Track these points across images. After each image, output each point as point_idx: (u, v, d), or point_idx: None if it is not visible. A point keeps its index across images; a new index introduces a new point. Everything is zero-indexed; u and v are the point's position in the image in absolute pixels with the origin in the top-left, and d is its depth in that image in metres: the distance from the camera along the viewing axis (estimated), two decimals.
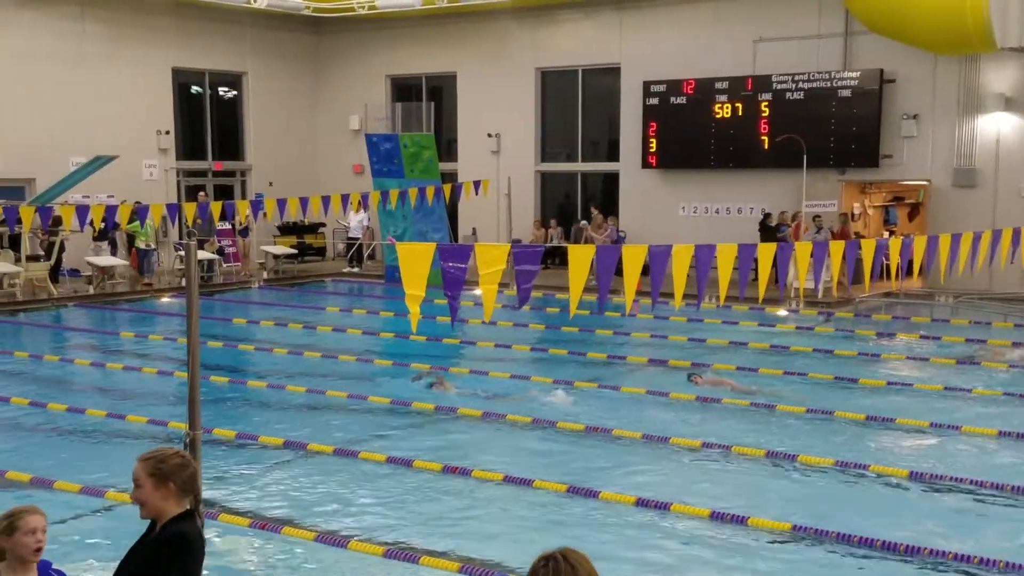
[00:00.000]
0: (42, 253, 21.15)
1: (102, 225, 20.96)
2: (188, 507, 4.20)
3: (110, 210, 17.96)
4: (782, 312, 18.47)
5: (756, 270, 10.53)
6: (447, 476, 9.22)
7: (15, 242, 20.50)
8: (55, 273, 21.11)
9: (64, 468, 9.35)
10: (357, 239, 25.82)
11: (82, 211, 17.23)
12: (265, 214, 19.91)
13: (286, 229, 26.82)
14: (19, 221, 18.54)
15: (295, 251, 25.70)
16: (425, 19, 26.37)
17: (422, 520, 8.25)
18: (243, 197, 26.92)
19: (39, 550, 4.30)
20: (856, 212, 23.46)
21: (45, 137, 22.80)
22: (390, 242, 21.57)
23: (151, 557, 4.08)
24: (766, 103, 22.48)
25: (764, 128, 22.57)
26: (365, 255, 26.15)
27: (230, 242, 24.58)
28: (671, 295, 8.09)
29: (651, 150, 24.13)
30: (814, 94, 21.98)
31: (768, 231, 21.64)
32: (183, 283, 21.76)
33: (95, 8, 23.82)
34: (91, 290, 20.98)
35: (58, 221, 19.43)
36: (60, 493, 8.55)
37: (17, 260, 20.23)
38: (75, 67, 23.59)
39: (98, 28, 24.03)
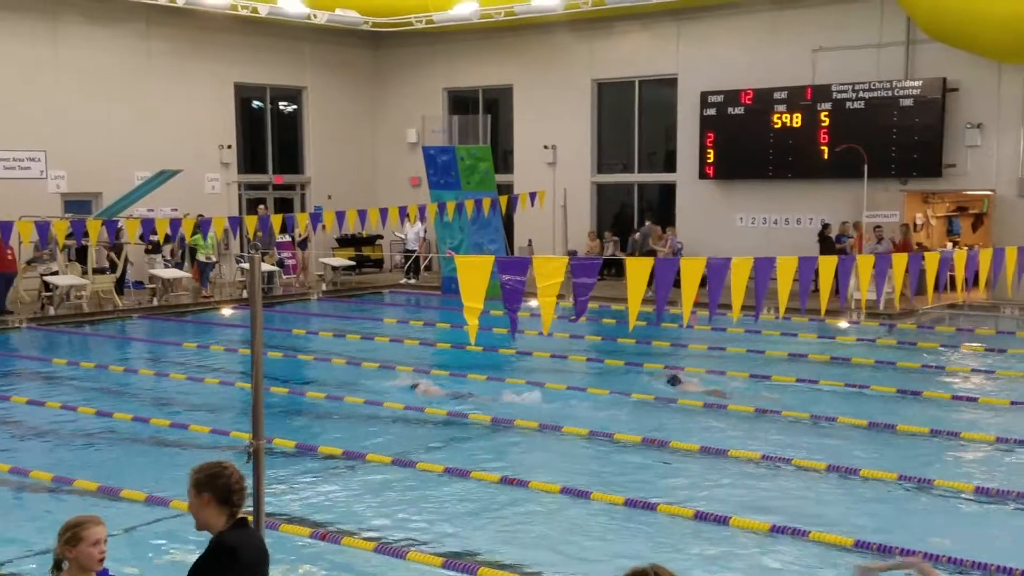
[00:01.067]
0: (107, 266, 21.58)
1: (163, 238, 21.34)
2: (236, 518, 4.28)
3: (174, 223, 18.28)
4: (843, 324, 18.23)
5: (816, 281, 10.43)
6: (504, 487, 9.23)
7: (82, 255, 20.95)
8: (120, 285, 21.53)
9: (130, 477, 9.52)
10: (414, 251, 26.00)
11: (147, 224, 17.57)
12: (324, 226, 20.13)
13: (344, 241, 27.09)
14: (86, 234, 18.94)
15: (353, 263, 25.95)
16: (482, 32, 26.53)
17: (480, 531, 8.27)
18: (302, 210, 27.26)
19: (102, 560, 4.38)
20: (919, 222, 23.10)
21: (111, 152, 23.29)
22: (449, 255, 21.68)
23: (193, 569, 4.18)
24: (826, 113, 22.26)
25: (824, 138, 22.34)
26: (422, 267, 26.32)
27: (289, 254, 24.88)
28: (729, 306, 8.04)
29: (708, 161, 24.00)
30: (875, 103, 21.72)
31: (827, 242, 21.39)
32: (243, 295, 22.14)
33: (160, 25, 24.31)
34: (155, 302, 21.37)
35: (117, 234, 19.79)
36: (126, 502, 8.71)
37: (84, 273, 20.67)
38: (141, 83, 24.09)
39: (163, 45, 24.52)
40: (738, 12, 23.62)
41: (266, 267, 22.64)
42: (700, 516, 8.29)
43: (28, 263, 20.72)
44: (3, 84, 21.71)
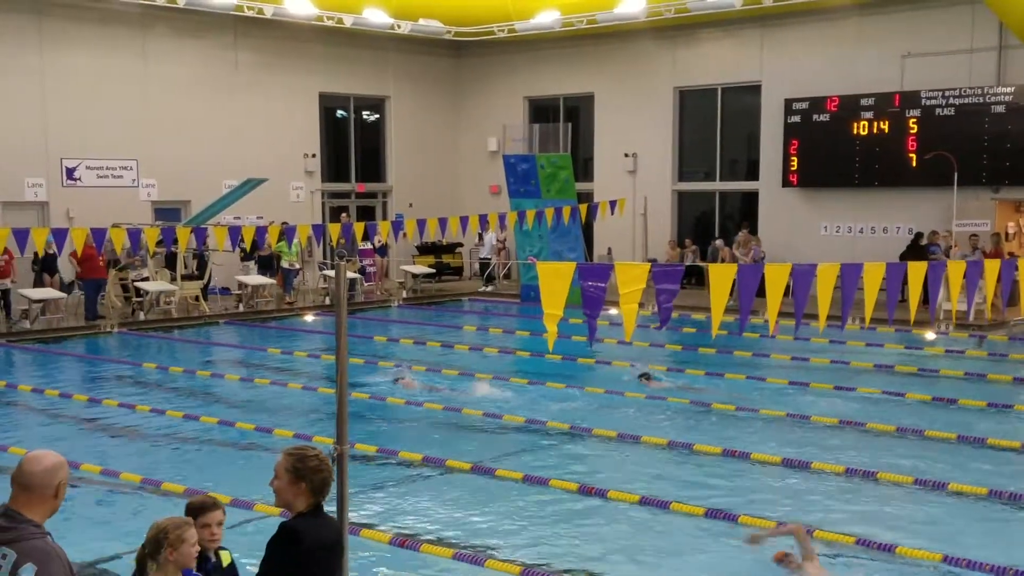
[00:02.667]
0: (196, 272, 22.07)
1: (251, 245, 21.79)
2: (317, 506, 4.42)
3: (260, 231, 18.61)
4: (930, 335, 17.78)
5: (904, 291, 10.20)
6: (583, 496, 9.20)
7: (170, 261, 21.47)
8: (206, 291, 22.01)
9: (216, 480, 9.71)
10: (489, 259, 26.13)
11: (234, 232, 17.93)
12: (405, 234, 20.32)
13: (425, 249, 27.32)
14: (175, 241, 19.39)
15: (433, 271, 26.15)
16: (563, 41, 26.55)
17: (558, 539, 8.25)
18: (384, 218, 27.57)
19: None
20: (1010, 232, 22.45)
21: (200, 161, 23.85)
22: (531, 262, 21.72)
23: (265, 552, 4.38)
24: (914, 119, 21.79)
25: (912, 145, 21.87)
26: (500, 275, 26.41)
27: (371, 261, 25.17)
28: (813, 316, 7.90)
29: (792, 168, 23.67)
30: (965, 110, 21.19)
31: (918, 251, 20.89)
32: (326, 301, 22.46)
33: (247, 37, 24.84)
34: (240, 307, 21.80)
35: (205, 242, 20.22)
36: None
37: (173, 279, 21.18)
38: (228, 94, 24.64)
39: (250, 56, 25.05)
40: (824, 18, 23.26)
41: (348, 274, 22.94)
42: (782, 524, 8.13)
43: (119, 269, 21.30)
44: (97, 96, 22.38)
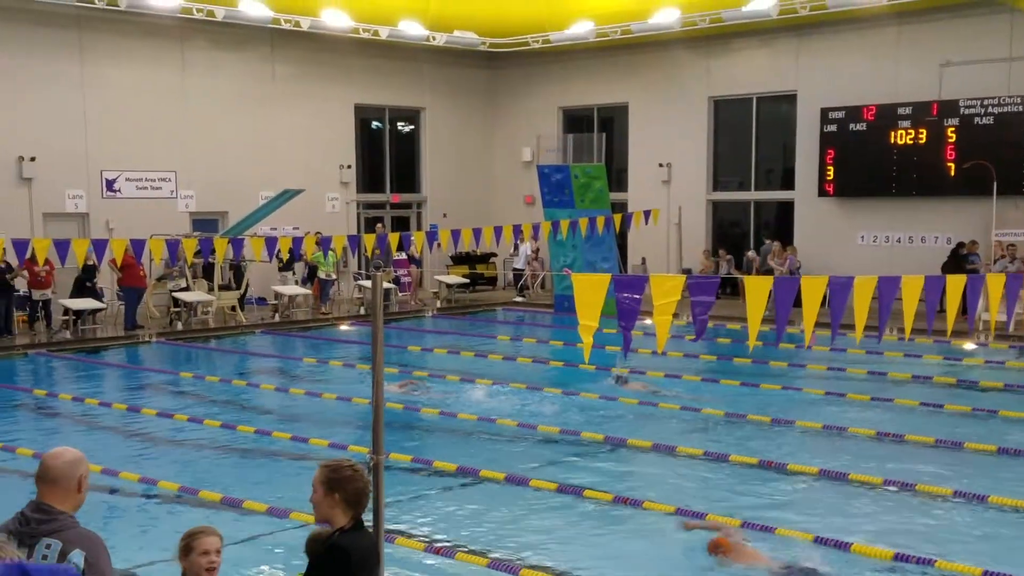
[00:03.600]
0: (232, 283, 22.28)
1: (287, 256, 21.97)
2: (357, 519, 4.41)
3: (296, 241, 18.77)
4: (970, 346, 17.59)
5: (943, 301, 10.09)
6: (618, 506, 9.18)
7: (208, 272, 21.68)
8: (243, 301, 22.20)
9: (252, 488, 9.79)
10: (522, 270, 26.16)
11: (270, 242, 18.09)
12: (439, 244, 20.39)
13: (459, 259, 27.40)
14: (213, 251, 19.58)
15: (467, 280, 26.21)
16: (597, 51, 26.57)
17: (592, 549, 8.24)
18: (418, 228, 27.69)
19: (211, 571, 4.48)
20: None
21: (237, 172, 24.09)
22: (566, 273, 21.71)
23: (309, 569, 4.38)
24: (952, 128, 21.59)
25: (950, 154, 21.66)
26: (534, 285, 26.42)
27: (405, 271, 25.28)
28: (850, 326, 7.83)
29: (828, 178, 23.52)
30: (1005, 119, 20.96)
31: (958, 260, 20.67)
32: (361, 311, 22.59)
33: (284, 49, 25.07)
34: (276, 317, 21.96)
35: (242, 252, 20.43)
36: (248, 513, 8.95)
37: (210, 289, 21.38)
38: (265, 106, 24.87)
39: (286, 68, 25.27)
40: (861, 27, 23.11)
41: (383, 284, 23.02)
42: (820, 540, 8.08)
43: (158, 280, 21.55)
44: (136, 109, 22.67)
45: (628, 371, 14.96)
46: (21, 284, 19.33)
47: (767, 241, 23.98)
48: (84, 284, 20.09)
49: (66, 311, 19.28)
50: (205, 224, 23.97)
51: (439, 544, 8.22)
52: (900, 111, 22.30)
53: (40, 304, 19.58)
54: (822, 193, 23.72)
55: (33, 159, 21.26)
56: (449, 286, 25.41)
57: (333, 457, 10.71)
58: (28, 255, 17.98)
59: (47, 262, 18.32)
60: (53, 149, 21.50)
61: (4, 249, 16.72)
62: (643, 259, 26.21)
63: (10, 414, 13.80)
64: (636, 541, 8.47)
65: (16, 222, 20.56)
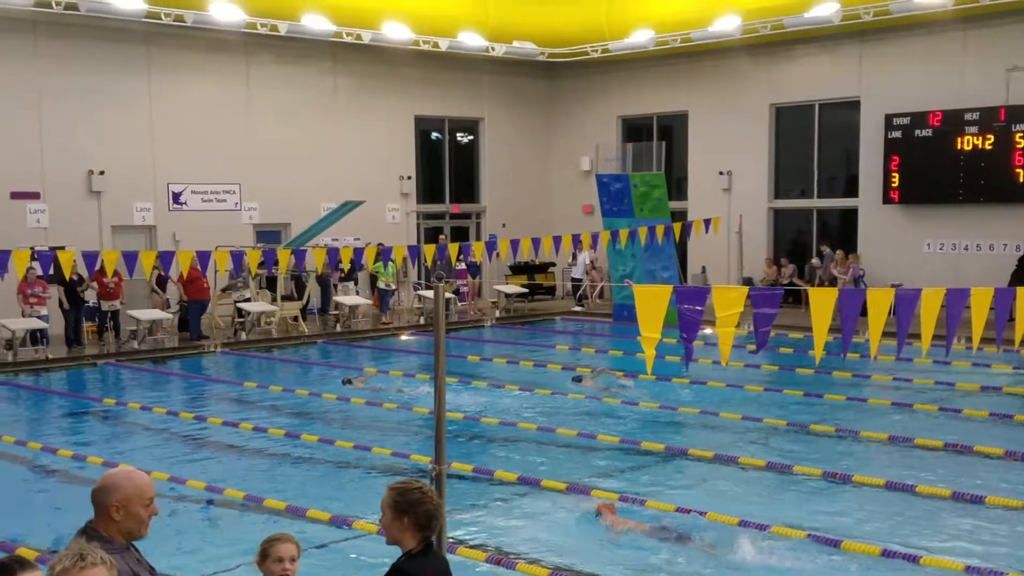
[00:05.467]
0: (295, 293, 22.55)
1: (348, 267, 22.17)
2: (427, 542, 4.28)
3: (357, 252, 18.94)
4: None
5: (1012, 309, 9.88)
6: (680, 516, 9.11)
7: (271, 282, 21.98)
8: (305, 311, 22.45)
9: (315, 497, 9.90)
10: (580, 280, 26.13)
11: (332, 253, 18.28)
12: (499, 254, 20.44)
13: (517, 268, 27.45)
14: (276, 263, 19.85)
15: (526, 290, 26.25)
16: (657, 60, 26.49)
17: (655, 559, 8.19)
18: (477, 238, 27.80)
19: None
20: None
21: (299, 184, 24.41)
22: (627, 284, 21.63)
23: None
24: (1021, 134, 21.17)
25: (1018, 160, 21.23)
26: (593, 294, 26.37)
27: (464, 282, 25.38)
28: (916, 336, 7.71)
29: (893, 185, 23.18)
30: None
31: None
32: (420, 321, 22.73)
33: (346, 62, 25.36)
34: (338, 327, 22.18)
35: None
36: (311, 522, 9.05)
37: (273, 300, 21.67)
38: (327, 118, 25.18)
39: (348, 81, 25.57)
40: (925, 32, 22.75)
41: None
42: (888, 554, 7.96)
43: (223, 290, 21.91)
44: (202, 122, 23.09)
45: (595, 373, 15.94)
46: (91, 295, 19.76)
47: (826, 249, 23.67)
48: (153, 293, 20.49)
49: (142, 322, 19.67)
50: (268, 235, 24.30)
51: (500, 554, 8.24)
52: (967, 116, 21.91)
53: (109, 315, 20.00)
54: (887, 200, 23.38)
55: (102, 173, 21.76)
56: (508, 296, 25.47)
57: (394, 466, 10.83)
58: (97, 267, 18.39)
59: (116, 274, 18.71)
60: (122, 163, 21.98)
61: (75, 262, 17.10)
62: (703, 268, 26.03)
63: (81, 423, 14.12)
64: (699, 552, 8.40)
65: (86, 235, 21.05)
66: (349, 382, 15.86)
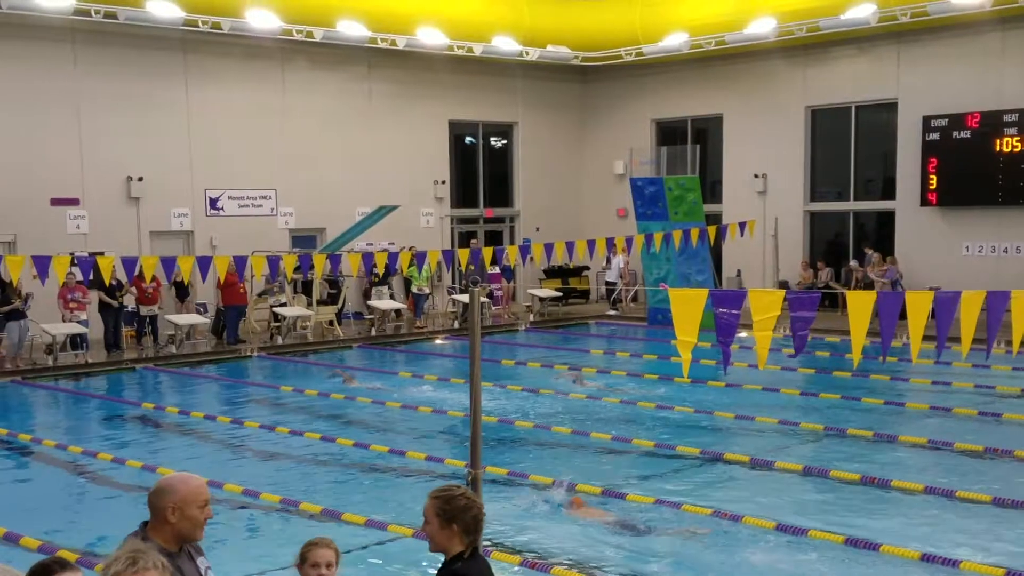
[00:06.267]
0: (330, 295, 22.66)
1: (383, 271, 22.28)
2: (474, 546, 4.31)
3: (391, 256, 19.04)
4: None
5: None
6: (717, 520, 9.07)
7: (306, 287, 22.11)
8: (340, 316, 22.56)
9: (351, 501, 9.95)
10: (614, 283, 26.07)
11: (367, 258, 18.37)
12: (532, 258, 20.44)
13: (551, 272, 27.43)
14: (312, 267, 19.97)
15: (560, 294, 26.22)
16: (691, 62, 26.39)
17: (692, 565, 8.15)
18: (511, 242, 27.81)
19: None
20: None
21: (334, 189, 24.54)
22: (662, 287, 21.56)
23: None
24: None
25: None
26: (627, 298, 26.31)
27: (498, 286, 25.40)
28: (955, 339, 7.63)
29: (931, 187, 22.93)
30: None
31: None
32: (455, 325, 22.77)
33: (381, 68, 25.48)
34: (372, 332, 22.28)
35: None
36: (347, 525, 9.09)
37: (308, 304, 21.81)
38: (362, 123, 25.30)
39: (383, 86, 25.69)
40: (963, 32, 22.49)
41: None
42: (927, 558, 7.88)
43: (259, 295, 22.07)
44: (238, 128, 23.28)
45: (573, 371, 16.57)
46: (129, 300, 19.98)
47: (869, 251, 23.44)
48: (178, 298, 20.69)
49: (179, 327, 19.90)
50: (304, 240, 24.46)
51: (535, 559, 8.23)
52: (1006, 118, 21.63)
53: (147, 320, 20.22)
54: (924, 203, 23.14)
55: (141, 179, 21.99)
56: (542, 299, 25.46)
57: (429, 470, 10.86)
58: (136, 272, 18.59)
59: (154, 279, 18.91)
60: (160, 169, 22.21)
61: (114, 267, 17.30)
62: (738, 271, 25.89)
63: (120, 427, 14.28)
64: (734, 556, 8.36)
65: (125, 241, 21.29)
66: (335, 375, 17.07)
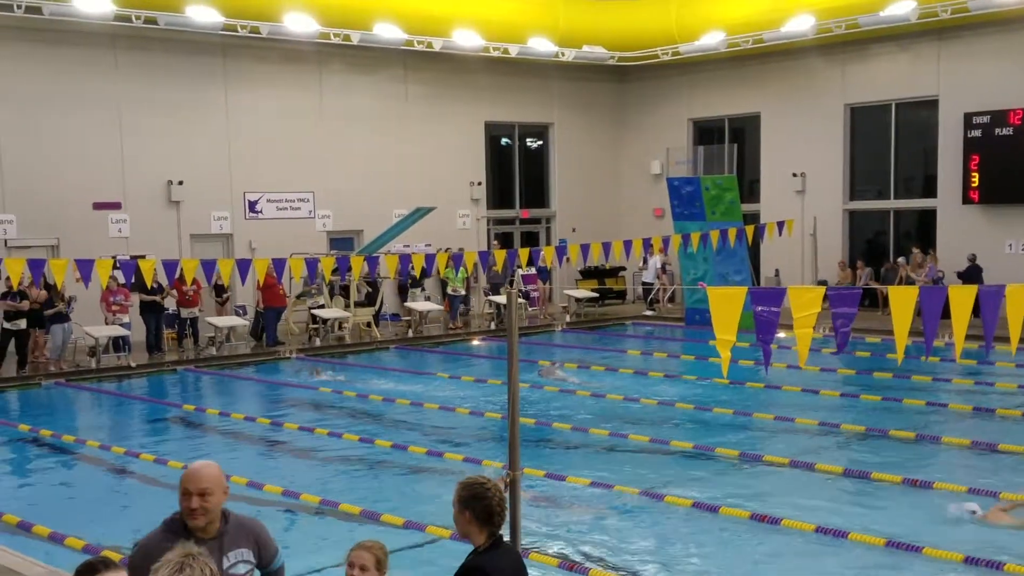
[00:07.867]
0: (368, 295, 22.76)
1: (419, 272, 22.33)
2: (495, 536, 4.39)
3: (428, 258, 19.07)
4: None
5: None
6: (755, 523, 9.01)
7: (344, 289, 22.23)
8: (377, 317, 22.65)
9: (389, 502, 9.98)
10: (651, 284, 25.97)
11: (404, 260, 18.42)
12: (569, 259, 20.39)
13: (588, 273, 27.38)
14: (349, 269, 20.06)
15: (596, 295, 26.16)
16: (728, 61, 26.23)
17: (729, 567, 8.10)
18: (548, 243, 27.79)
19: None
20: None
21: (371, 191, 24.66)
22: (701, 287, 21.44)
23: None
24: None
25: None
26: (664, 299, 26.20)
27: (535, 286, 25.38)
28: (1001, 338, 7.53)
29: (973, 185, 22.64)
30: None
31: None
32: (491, 327, 22.79)
33: (417, 70, 25.57)
34: (409, 333, 22.35)
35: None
36: (386, 526, 9.13)
37: (346, 306, 21.92)
38: (398, 125, 25.40)
39: (419, 89, 25.77)
40: (1005, 28, 22.18)
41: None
42: (970, 560, 7.78)
43: (298, 297, 22.22)
44: (276, 132, 23.46)
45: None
46: (170, 303, 20.19)
47: (914, 250, 23.14)
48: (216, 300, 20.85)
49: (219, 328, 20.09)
50: (341, 242, 24.59)
51: (572, 560, 8.22)
52: None
53: (188, 322, 20.42)
54: (966, 201, 22.85)
55: (181, 183, 22.22)
56: (578, 300, 25.41)
57: (468, 471, 10.86)
58: (177, 275, 18.76)
59: (194, 282, 19.08)
60: (199, 173, 22.43)
61: (155, 270, 17.47)
62: (776, 271, 25.70)
63: (162, 428, 14.43)
64: (774, 558, 8.30)
65: (165, 244, 21.53)
66: (318, 372, 17.95)
